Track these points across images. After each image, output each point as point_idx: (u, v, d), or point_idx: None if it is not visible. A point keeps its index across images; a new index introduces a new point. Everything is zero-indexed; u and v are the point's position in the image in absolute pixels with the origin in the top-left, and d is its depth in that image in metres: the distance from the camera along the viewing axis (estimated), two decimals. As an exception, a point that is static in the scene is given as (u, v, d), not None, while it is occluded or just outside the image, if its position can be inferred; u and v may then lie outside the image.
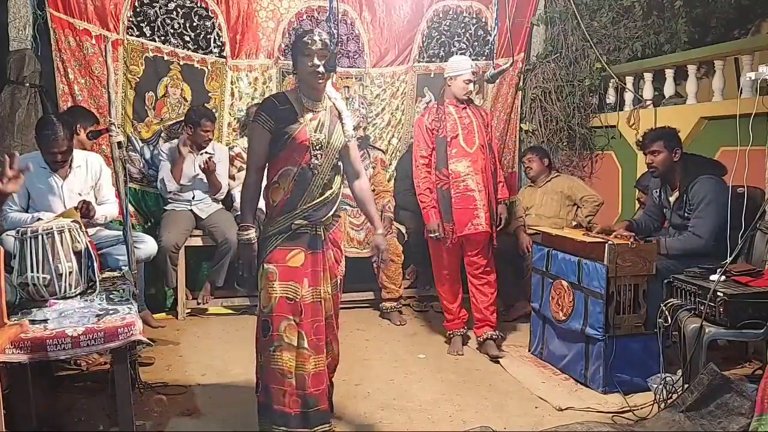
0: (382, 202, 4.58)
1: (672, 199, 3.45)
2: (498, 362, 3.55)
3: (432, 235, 3.66)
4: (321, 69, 2.47)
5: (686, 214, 3.33)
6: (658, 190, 3.55)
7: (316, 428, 2.51)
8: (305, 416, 2.49)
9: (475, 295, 3.70)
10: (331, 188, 2.57)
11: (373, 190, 4.66)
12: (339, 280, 2.66)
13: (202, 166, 4.25)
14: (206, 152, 4.34)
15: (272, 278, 2.47)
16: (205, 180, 4.34)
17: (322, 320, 2.54)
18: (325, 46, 2.49)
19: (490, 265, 3.70)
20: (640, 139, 3.53)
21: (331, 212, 2.58)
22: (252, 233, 2.52)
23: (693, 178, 3.31)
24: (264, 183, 2.60)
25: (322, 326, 2.54)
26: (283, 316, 2.46)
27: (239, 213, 3.59)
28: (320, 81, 2.50)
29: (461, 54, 4.88)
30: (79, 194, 3.35)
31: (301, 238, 2.51)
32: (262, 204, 2.64)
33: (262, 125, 2.49)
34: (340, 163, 2.64)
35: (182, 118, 4.47)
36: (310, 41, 2.47)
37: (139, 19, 4.42)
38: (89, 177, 3.44)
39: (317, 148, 2.52)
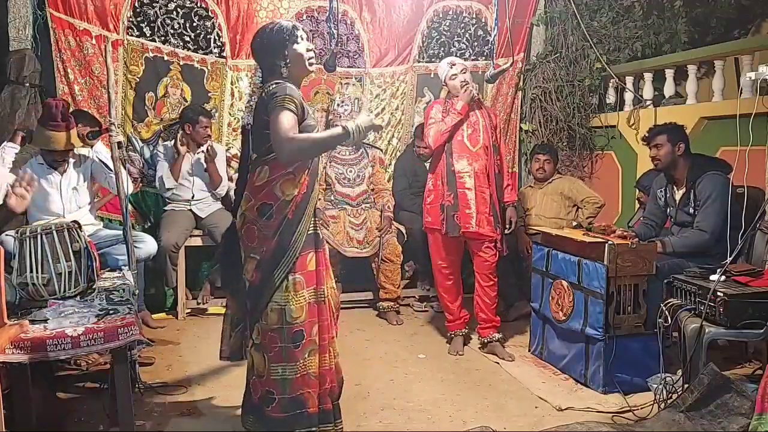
0: (381, 201, 4.58)
1: (678, 196, 3.45)
2: (498, 362, 3.55)
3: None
4: (312, 54, 2.43)
5: (692, 211, 3.33)
6: (662, 189, 3.55)
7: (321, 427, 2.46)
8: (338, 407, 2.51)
9: (481, 296, 3.68)
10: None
11: (373, 189, 4.67)
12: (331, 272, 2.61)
13: (204, 155, 4.28)
14: (203, 151, 4.34)
15: (300, 288, 2.37)
16: (204, 178, 4.34)
17: (326, 319, 2.46)
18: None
19: (496, 267, 3.69)
20: (646, 134, 3.55)
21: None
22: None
23: (699, 174, 3.32)
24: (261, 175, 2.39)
25: (326, 325, 2.46)
26: (314, 320, 2.41)
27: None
28: (313, 67, 2.45)
29: (461, 54, 4.91)
30: (75, 188, 3.41)
31: (309, 239, 2.42)
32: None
33: (294, 113, 2.27)
34: None
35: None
36: (300, 28, 2.42)
37: (139, 19, 4.42)
38: (83, 168, 3.53)
39: None
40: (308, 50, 2.42)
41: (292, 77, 2.41)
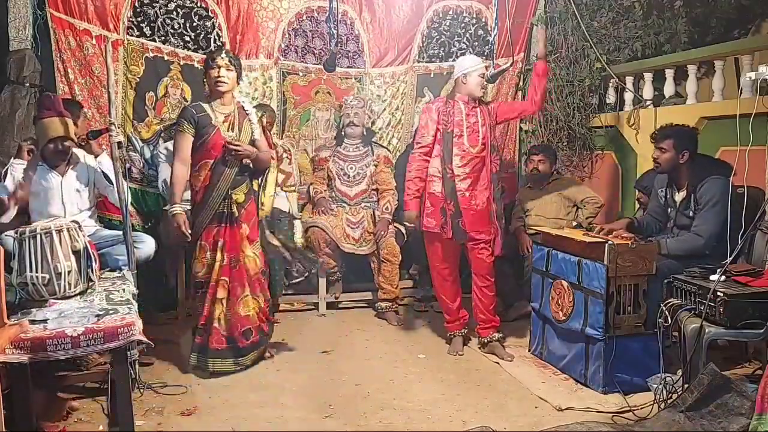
0: (383, 201, 4.57)
1: (678, 198, 3.43)
2: (498, 362, 3.55)
3: (408, 224, 3.85)
4: (224, 79, 3.24)
5: (692, 215, 3.31)
6: (663, 189, 3.53)
7: (248, 355, 3.34)
8: (236, 348, 3.30)
9: (479, 296, 3.68)
10: (242, 174, 3.34)
11: (376, 190, 4.66)
12: (258, 244, 3.43)
13: None
14: None
15: (204, 250, 3.29)
16: None
17: (242, 278, 3.31)
18: (231, 62, 3.27)
19: (493, 267, 3.69)
20: (656, 132, 3.49)
21: (244, 192, 3.33)
22: (176, 208, 3.23)
23: (701, 178, 3.29)
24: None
25: (243, 283, 3.31)
26: (210, 277, 3.27)
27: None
28: (222, 89, 3.26)
29: (461, 54, 4.90)
30: (77, 190, 3.39)
31: (221, 217, 3.29)
32: None
33: (185, 131, 3.27)
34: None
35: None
36: (216, 56, 3.25)
37: (139, 19, 4.42)
38: (87, 174, 3.47)
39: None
40: (216, 75, 3.24)
41: (213, 94, 3.32)
